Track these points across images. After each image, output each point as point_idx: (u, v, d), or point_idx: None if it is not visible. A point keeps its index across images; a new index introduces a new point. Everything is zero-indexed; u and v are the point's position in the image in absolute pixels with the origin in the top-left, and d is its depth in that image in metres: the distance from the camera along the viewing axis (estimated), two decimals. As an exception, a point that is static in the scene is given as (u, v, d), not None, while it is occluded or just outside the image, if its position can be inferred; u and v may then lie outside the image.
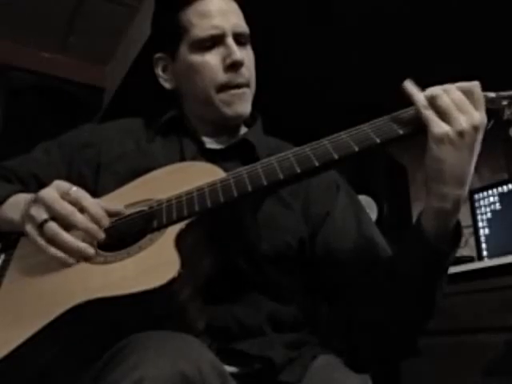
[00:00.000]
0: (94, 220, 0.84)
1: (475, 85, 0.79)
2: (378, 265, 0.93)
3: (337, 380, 0.83)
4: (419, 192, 2.80)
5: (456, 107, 0.77)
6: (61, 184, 0.87)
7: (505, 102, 0.81)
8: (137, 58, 2.82)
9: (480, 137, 0.78)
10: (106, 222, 0.85)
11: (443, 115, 0.77)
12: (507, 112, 0.81)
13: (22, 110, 3.32)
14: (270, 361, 0.83)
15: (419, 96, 0.80)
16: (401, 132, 0.80)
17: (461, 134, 0.76)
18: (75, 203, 0.84)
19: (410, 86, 0.82)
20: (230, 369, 0.83)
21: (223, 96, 1.01)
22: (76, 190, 0.85)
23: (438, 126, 0.77)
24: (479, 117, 0.77)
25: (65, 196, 0.84)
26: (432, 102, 0.78)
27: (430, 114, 0.78)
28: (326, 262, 0.97)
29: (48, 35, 3.35)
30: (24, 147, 1.12)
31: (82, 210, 0.84)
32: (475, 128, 0.77)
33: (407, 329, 0.90)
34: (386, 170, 2.67)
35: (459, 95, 0.78)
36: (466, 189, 0.80)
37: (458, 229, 0.83)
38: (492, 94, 0.82)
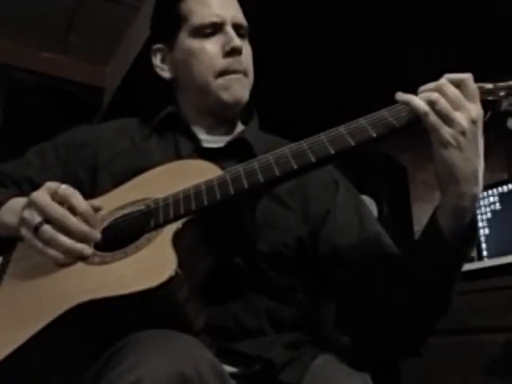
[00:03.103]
0: (85, 219, 0.84)
1: (468, 77, 0.78)
2: (383, 260, 0.92)
3: (337, 380, 0.82)
4: (419, 192, 2.80)
5: (452, 106, 0.76)
6: (50, 184, 0.87)
7: (502, 93, 0.79)
8: (137, 58, 2.82)
9: (480, 129, 0.77)
10: (96, 219, 0.85)
11: (443, 119, 0.76)
12: (505, 103, 0.79)
13: (22, 109, 3.32)
14: (269, 361, 0.83)
15: (418, 102, 0.77)
16: (398, 125, 0.78)
17: (462, 133, 0.75)
18: (64, 201, 0.84)
19: (402, 95, 0.80)
20: (229, 369, 0.82)
21: (221, 81, 1.02)
22: (64, 188, 0.85)
23: (442, 132, 0.75)
24: (475, 110, 0.76)
25: (54, 196, 0.84)
26: (431, 107, 0.76)
27: (433, 120, 0.76)
28: (330, 260, 0.96)
29: (48, 35, 3.36)
30: (24, 147, 1.11)
31: (71, 208, 0.84)
32: (474, 122, 0.76)
33: (419, 327, 0.89)
34: (386, 170, 2.66)
35: (453, 91, 0.77)
36: (481, 184, 0.78)
37: (473, 225, 0.81)
38: (489, 85, 0.80)
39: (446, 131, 0.75)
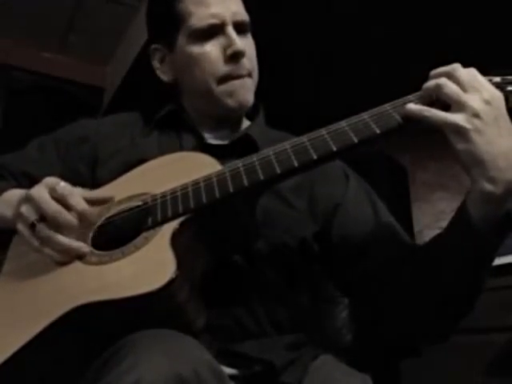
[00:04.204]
0: (81, 218, 0.83)
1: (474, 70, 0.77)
2: (404, 250, 0.90)
3: (337, 380, 0.82)
4: (419, 192, 2.80)
5: (462, 88, 0.74)
6: (49, 180, 0.85)
7: (510, 87, 0.76)
8: (137, 58, 2.82)
9: (499, 111, 0.73)
10: (93, 218, 0.84)
11: (453, 102, 0.73)
12: None
13: (21, 109, 3.32)
14: (270, 363, 0.82)
15: (412, 108, 0.76)
16: (401, 121, 0.76)
17: (476, 115, 0.72)
18: (61, 199, 0.83)
19: (412, 111, 0.77)
20: (229, 371, 0.82)
21: (224, 87, 0.99)
22: (63, 186, 0.84)
23: (450, 122, 0.72)
24: (488, 90, 0.74)
25: (52, 192, 0.83)
26: (438, 92, 0.75)
27: (434, 117, 0.74)
28: (347, 252, 0.94)
29: (48, 35, 3.35)
30: (24, 147, 1.11)
31: (68, 206, 0.83)
32: (487, 102, 0.73)
33: (442, 321, 0.87)
34: (386, 170, 2.67)
35: (462, 73, 0.75)
36: None
37: (507, 215, 0.75)
38: (497, 79, 0.77)
39: (454, 120, 0.72)
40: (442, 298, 0.83)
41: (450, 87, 0.74)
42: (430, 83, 0.77)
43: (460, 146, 0.73)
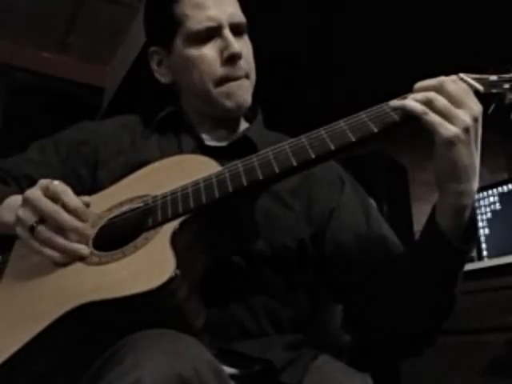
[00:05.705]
0: (77, 215, 0.83)
1: (455, 79, 0.78)
2: (391, 261, 0.91)
3: (337, 380, 0.83)
4: (419, 192, 2.80)
5: (453, 104, 0.75)
6: (42, 181, 0.85)
7: (507, 86, 0.77)
8: (137, 58, 2.82)
9: (480, 126, 0.76)
10: (88, 215, 0.84)
11: (444, 116, 0.74)
12: (509, 96, 0.77)
13: (21, 109, 3.32)
14: (270, 363, 0.82)
15: (412, 104, 0.76)
16: (398, 119, 0.77)
17: (466, 130, 0.74)
18: (55, 198, 0.83)
19: (394, 102, 0.78)
20: (229, 370, 0.82)
21: (222, 89, 1.00)
22: (56, 184, 0.84)
23: (446, 129, 0.73)
24: (476, 106, 0.75)
25: (46, 192, 0.83)
26: (429, 106, 0.75)
27: (433, 118, 0.74)
28: (336, 261, 0.95)
29: (48, 35, 3.36)
30: (24, 147, 1.11)
31: (63, 205, 0.83)
32: (475, 119, 0.75)
33: (426, 327, 0.89)
34: (386, 170, 2.67)
35: (452, 88, 0.76)
36: (477, 180, 0.78)
37: (472, 222, 0.80)
38: (494, 77, 0.78)
39: (449, 129, 0.74)
40: (422, 307, 0.86)
41: (441, 101, 0.75)
42: (418, 96, 0.77)
43: (445, 158, 0.75)
